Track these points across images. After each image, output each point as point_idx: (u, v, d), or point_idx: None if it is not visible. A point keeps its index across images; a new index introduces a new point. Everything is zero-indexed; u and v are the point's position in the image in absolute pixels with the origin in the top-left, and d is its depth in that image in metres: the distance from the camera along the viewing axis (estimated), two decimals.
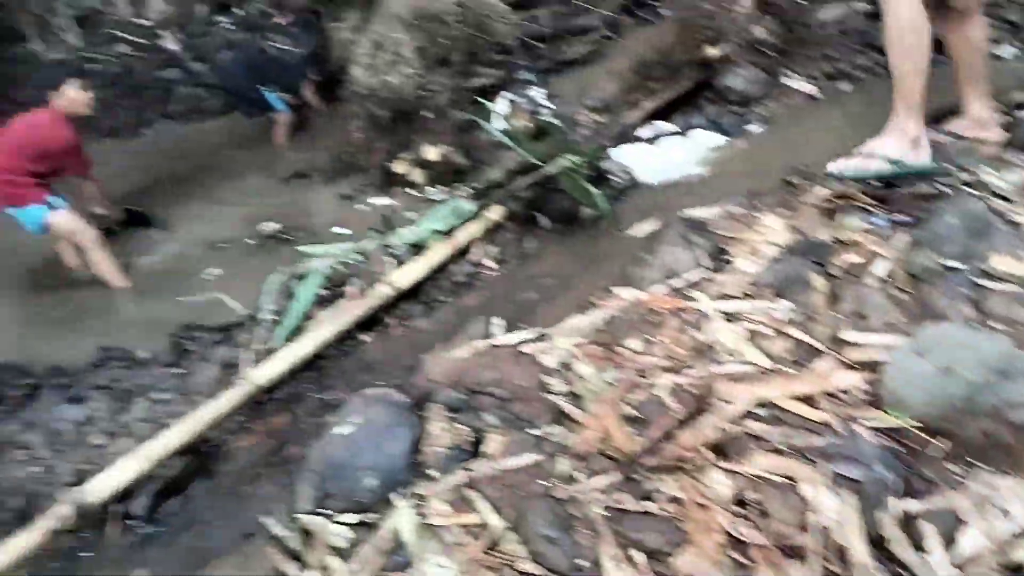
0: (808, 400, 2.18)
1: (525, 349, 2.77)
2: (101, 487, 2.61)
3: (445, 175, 5.46)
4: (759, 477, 1.99)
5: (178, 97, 7.46)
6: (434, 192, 5.37)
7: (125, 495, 2.72)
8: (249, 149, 6.79)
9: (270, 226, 5.32)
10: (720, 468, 2.02)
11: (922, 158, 2.99)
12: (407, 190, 5.51)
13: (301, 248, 4.24)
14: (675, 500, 1.99)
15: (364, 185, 5.77)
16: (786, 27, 4.75)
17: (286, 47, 7.42)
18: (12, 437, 3.46)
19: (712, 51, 4.66)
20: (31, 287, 5.27)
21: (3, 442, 3.44)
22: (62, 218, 4.89)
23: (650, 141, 4.62)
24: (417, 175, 5.50)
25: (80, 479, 2.97)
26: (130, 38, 7.77)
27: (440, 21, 5.88)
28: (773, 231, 2.98)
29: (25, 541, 2.47)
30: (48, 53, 7.57)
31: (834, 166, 3.14)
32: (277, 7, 7.78)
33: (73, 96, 4.80)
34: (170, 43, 7.66)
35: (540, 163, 3.95)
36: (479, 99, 6.17)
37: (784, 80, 4.70)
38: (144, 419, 3.23)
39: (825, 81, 4.65)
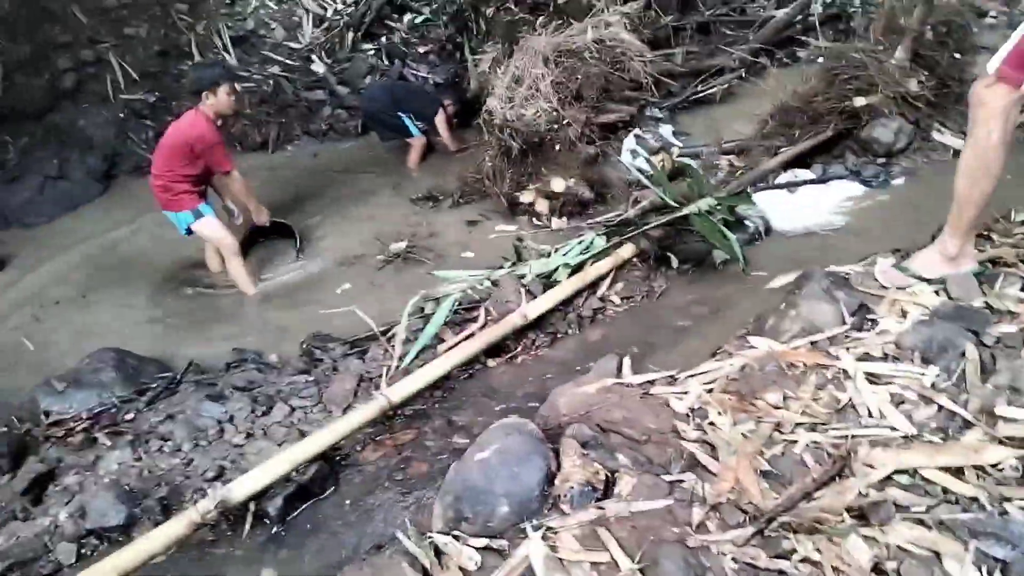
0: (955, 472, 2.11)
1: (655, 391, 2.79)
2: (244, 486, 2.75)
3: (570, 207, 5.55)
4: (900, 547, 1.93)
5: (321, 117, 7.85)
6: (558, 223, 5.46)
7: (260, 495, 2.85)
8: (382, 170, 7.08)
9: (398, 245, 5.51)
10: (859, 533, 1.97)
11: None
12: (532, 220, 5.62)
13: (436, 272, 4.38)
14: (810, 561, 1.95)
15: (489, 211, 5.91)
16: (940, 80, 4.60)
17: (425, 75, 7.73)
18: (155, 428, 3.68)
19: (860, 101, 4.55)
20: (174, 286, 5.64)
21: (146, 432, 3.66)
22: (206, 225, 5.25)
23: (787, 188, 4.55)
24: (542, 205, 5.60)
25: (219, 475, 3.16)
26: (282, 60, 8.23)
27: (579, 57, 5.98)
28: (921, 292, 2.89)
29: (170, 531, 2.63)
30: None
31: (878, 270, 3.10)
32: (420, 37, 8.11)
33: (222, 97, 5.11)
34: (318, 66, 8.07)
35: (676, 204, 3.95)
36: (610, 134, 6.26)
37: (934, 134, 4.55)
38: (281, 423, 3.39)
39: None
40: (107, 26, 7.76)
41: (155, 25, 8.03)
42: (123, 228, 6.60)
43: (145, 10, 7.95)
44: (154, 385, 4.17)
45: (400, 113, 6.82)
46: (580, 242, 4.06)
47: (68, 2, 7.42)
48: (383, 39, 8.36)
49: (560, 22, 6.63)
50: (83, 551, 2.88)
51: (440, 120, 6.98)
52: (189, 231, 5.33)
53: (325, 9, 8.63)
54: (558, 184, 5.51)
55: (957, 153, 4.49)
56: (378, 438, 3.24)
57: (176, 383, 4.19)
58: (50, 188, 7.12)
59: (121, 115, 7.76)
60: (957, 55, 4.73)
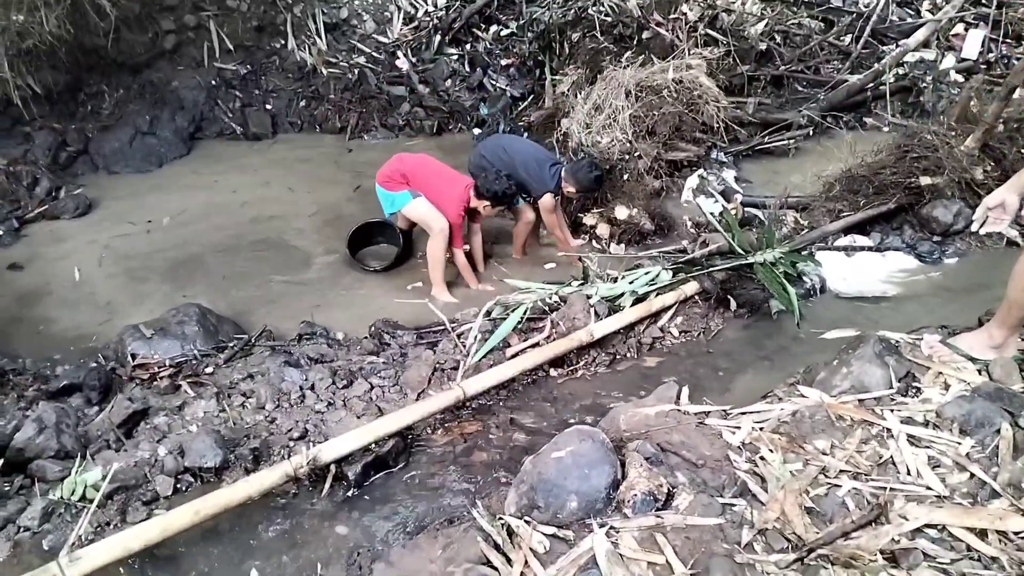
0: (980, 533, 2.37)
1: (709, 421, 3.06)
2: (334, 448, 3.06)
3: (629, 236, 5.82)
4: None
5: (400, 112, 8.19)
6: (616, 249, 5.73)
7: (343, 459, 3.15)
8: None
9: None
10: (889, 574, 2.23)
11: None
12: (592, 242, 5.90)
13: (508, 280, 4.67)
14: None
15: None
16: (1004, 173, 4.85)
17: (504, 87, 8.03)
18: (236, 384, 3.99)
19: (926, 180, 4.80)
20: (275, 262, 5.86)
21: (228, 387, 3.97)
22: (418, 206, 5.23)
23: (845, 251, 4.81)
24: (604, 230, 5.88)
25: (303, 435, 3.47)
26: (369, 52, 8.59)
27: (658, 95, 6.26)
28: (966, 370, 3.15)
29: (266, 478, 2.94)
30: (297, 52, 8.48)
31: (926, 343, 3.36)
32: (504, 50, 8.42)
33: (484, 206, 5.19)
34: (402, 62, 8.40)
35: (743, 251, 4.22)
36: (675, 171, 6.53)
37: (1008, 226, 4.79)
38: (360, 398, 3.69)
39: None
40: None
41: (256, 1, 8.40)
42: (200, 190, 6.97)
43: None
44: (231, 344, 4.49)
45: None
46: (647, 272, 4.34)
47: None
48: (468, 46, 8.68)
49: (642, 56, 6.94)
50: (179, 486, 3.19)
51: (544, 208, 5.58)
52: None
53: (416, 9, 8.98)
54: (622, 212, 5.78)
55: (1010, 243, 4.76)
56: (447, 424, 3.54)
57: (251, 345, 4.51)
58: (139, 141, 7.51)
59: (213, 82, 8.16)
60: None
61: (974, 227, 3.13)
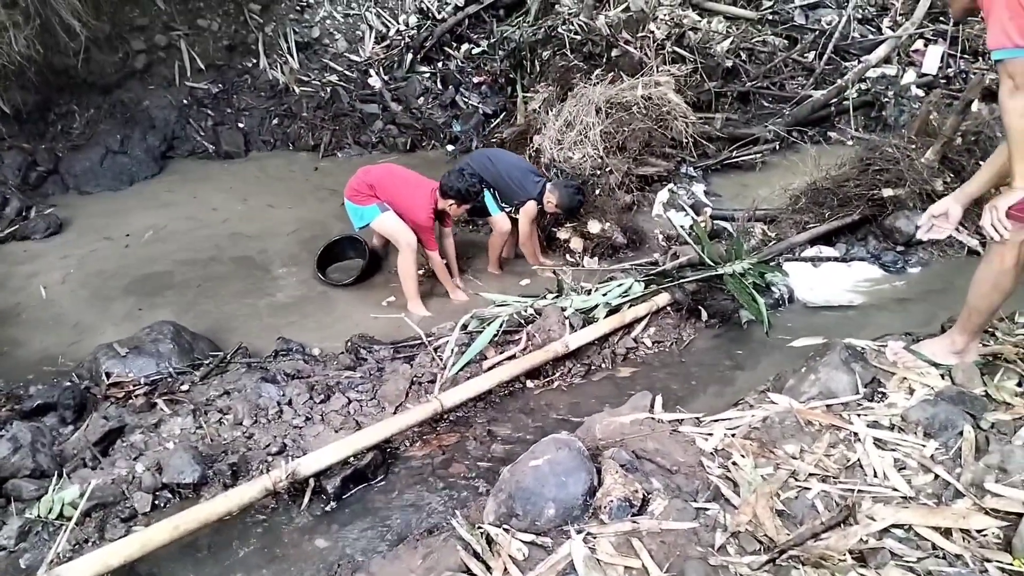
0: (945, 532, 2.45)
1: (683, 429, 3.13)
2: (313, 462, 3.08)
3: (602, 249, 5.91)
4: None
5: (373, 129, 8.24)
6: (590, 263, 5.81)
7: (322, 473, 3.17)
8: None
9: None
10: (858, 573, 2.30)
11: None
12: (566, 256, 5.98)
13: (484, 294, 4.72)
14: None
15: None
16: (963, 183, 4.98)
17: (476, 104, 8.12)
18: (212, 401, 3.98)
19: (888, 192, 4.94)
20: (242, 279, 5.84)
21: (204, 404, 3.97)
22: (387, 220, 5.25)
23: (812, 262, 4.93)
24: (577, 244, 5.96)
25: (281, 450, 3.48)
26: (341, 70, 8.64)
27: (628, 111, 6.38)
28: (929, 375, 3.25)
29: (245, 493, 2.95)
30: (268, 71, 8.51)
31: (890, 350, 3.47)
32: (475, 68, 8.52)
33: (452, 208, 5.16)
34: (375, 81, 8.47)
35: (713, 262, 4.32)
36: (646, 186, 6.64)
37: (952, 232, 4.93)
38: (338, 412, 3.71)
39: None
40: (182, 15, 8.16)
41: (227, 20, 8.44)
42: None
43: (220, 4, 8.36)
44: (207, 361, 4.48)
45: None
46: (620, 285, 4.42)
47: None
48: (440, 64, 8.77)
49: (612, 73, 7.07)
50: (156, 503, 3.19)
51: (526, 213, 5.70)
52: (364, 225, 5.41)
53: (388, 28, 9.06)
54: (594, 226, 5.87)
55: (971, 251, 4.91)
56: (425, 437, 3.58)
57: (226, 362, 4.50)
58: (110, 161, 7.48)
59: (184, 101, 8.15)
60: (982, 162, 5.11)
61: (919, 233, 3.23)
